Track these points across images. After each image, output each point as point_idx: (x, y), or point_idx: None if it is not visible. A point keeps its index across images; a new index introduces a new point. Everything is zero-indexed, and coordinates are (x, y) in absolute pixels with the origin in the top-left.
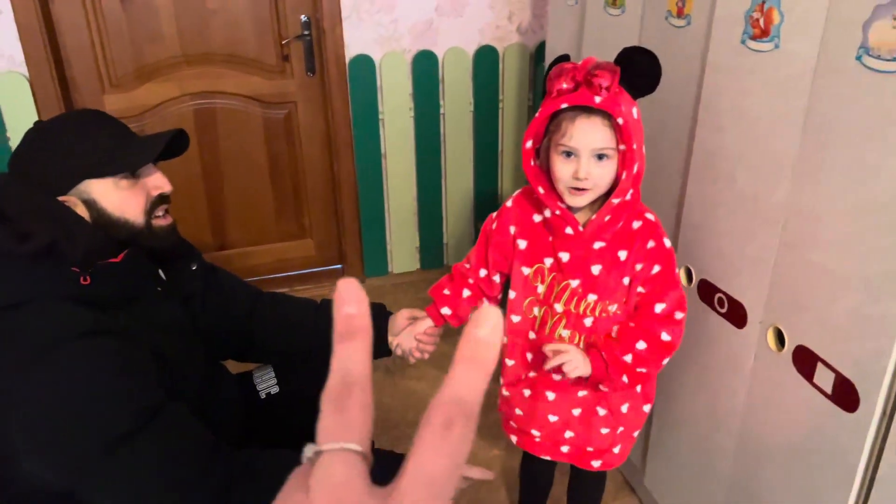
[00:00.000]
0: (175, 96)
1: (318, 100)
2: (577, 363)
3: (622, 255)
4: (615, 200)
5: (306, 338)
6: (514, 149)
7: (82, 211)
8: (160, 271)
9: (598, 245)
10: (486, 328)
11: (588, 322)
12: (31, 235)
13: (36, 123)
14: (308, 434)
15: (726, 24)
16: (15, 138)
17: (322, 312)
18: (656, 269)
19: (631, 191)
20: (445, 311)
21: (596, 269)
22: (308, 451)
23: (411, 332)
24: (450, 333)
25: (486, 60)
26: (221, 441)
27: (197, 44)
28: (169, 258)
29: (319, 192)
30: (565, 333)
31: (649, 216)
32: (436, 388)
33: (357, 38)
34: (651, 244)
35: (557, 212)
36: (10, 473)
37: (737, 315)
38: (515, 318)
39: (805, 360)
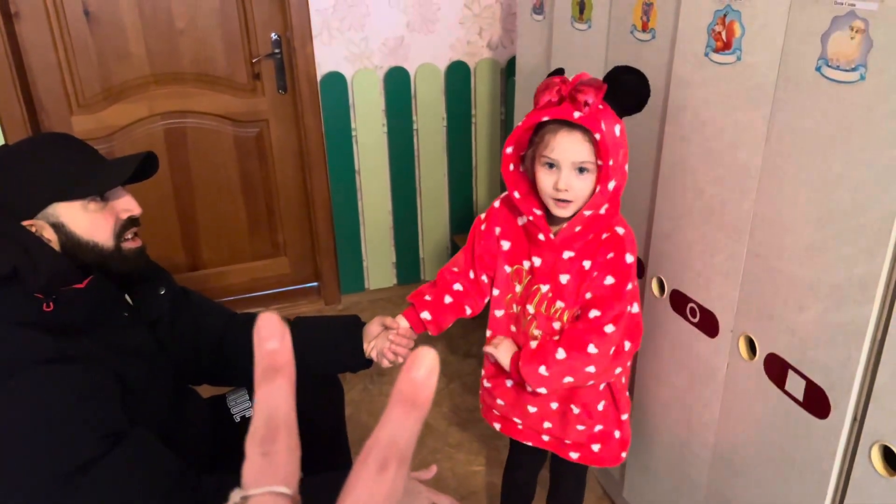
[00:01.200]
0: (144, 116)
1: (290, 117)
2: (500, 357)
3: (586, 264)
4: (587, 213)
5: None
6: (488, 162)
7: (50, 234)
8: (126, 296)
9: (567, 255)
10: (423, 370)
11: (556, 326)
12: None
13: (0, 147)
14: None
15: (689, 37)
16: None
17: (296, 331)
18: (609, 280)
19: (606, 205)
20: (425, 315)
21: (564, 279)
22: (235, 496)
23: (386, 335)
24: (426, 339)
25: (457, 76)
26: (190, 466)
27: (166, 63)
28: (136, 282)
29: (293, 209)
30: (537, 333)
31: (619, 230)
32: None
33: (328, 56)
34: (611, 255)
35: (531, 217)
36: None
37: (708, 324)
38: (498, 313)
39: (776, 368)
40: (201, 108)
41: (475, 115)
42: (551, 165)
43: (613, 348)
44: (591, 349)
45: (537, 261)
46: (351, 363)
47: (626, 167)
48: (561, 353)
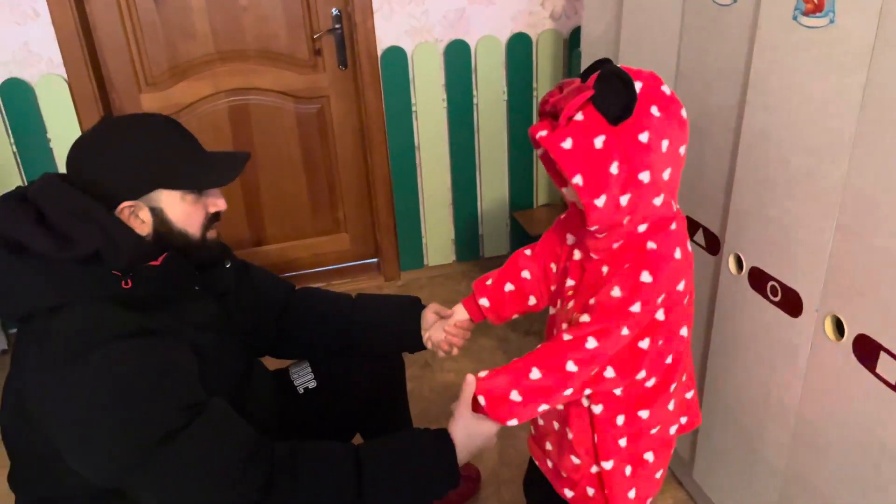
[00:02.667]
0: (209, 94)
1: (351, 93)
2: (464, 394)
3: (604, 270)
4: (592, 227)
5: (342, 332)
6: None
7: (146, 216)
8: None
9: (594, 256)
10: None
11: (565, 326)
12: (74, 242)
13: (105, 120)
14: (346, 426)
15: (776, 0)
16: (55, 140)
17: (357, 306)
18: (615, 291)
19: (627, 217)
20: (483, 302)
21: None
22: None
23: (442, 325)
24: (488, 327)
25: (519, 48)
26: (264, 434)
27: (229, 41)
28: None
29: (353, 186)
30: (553, 331)
31: (650, 244)
32: None
33: (388, 30)
34: (626, 266)
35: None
36: (43, 473)
37: (791, 303)
38: (552, 310)
39: (866, 350)
40: (264, 85)
41: (536, 89)
42: None
43: (595, 370)
44: (571, 367)
45: (577, 255)
46: (408, 344)
47: (643, 176)
48: (535, 373)
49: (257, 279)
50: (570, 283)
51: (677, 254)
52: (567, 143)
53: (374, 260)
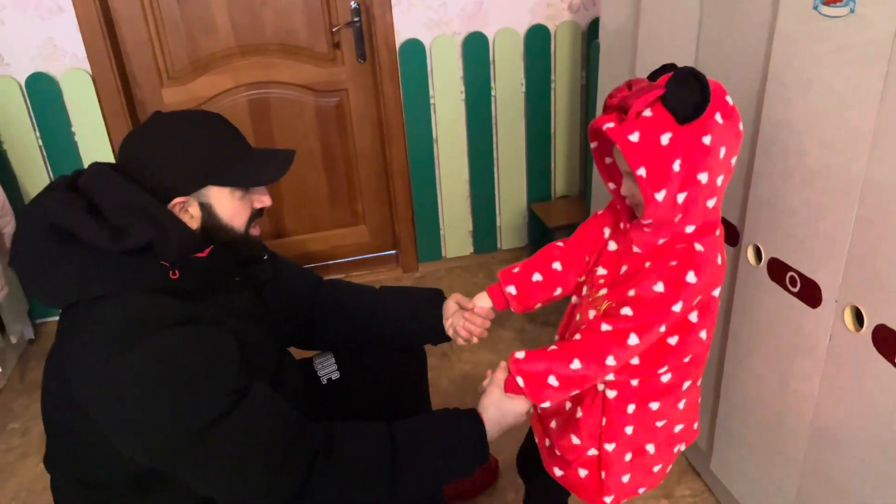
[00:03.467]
0: (230, 87)
1: (370, 86)
2: (495, 382)
3: (647, 265)
4: (644, 220)
5: (366, 324)
6: (567, 129)
7: (195, 211)
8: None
9: (635, 249)
10: None
11: (591, 315)
12: (126, 234)
13: (157, 115)
14: (367, 418)
15: None
16: (80, 134)
17: (381, 299)
18: (658, 286)
19: (679, 215)
20: (510, 290)
21: (622, 269)
22: None
23: (461, 314)
24: (507, 318)
25: (537, 40)
26: (305, 416)
27: (249, 35)
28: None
29: (372, 178)
30: (578, 317)
31: (697, 246)
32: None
33: (407, 23)
34: (673, 263)
35: (618, 206)
36: (84, 457)
37: (810, 294)
38: (574, 299)
39: (887, 341)
40: (283, 79)
41: (555, 81)
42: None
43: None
44: (610, 361)
45: (612, 245)
46: (430, 336)
47: (702, 177)
48: (576, 364)
49: (285, 271)
50: (601, 271)
51: (719, 259)
52: (635, 136)
53: (393, 252)
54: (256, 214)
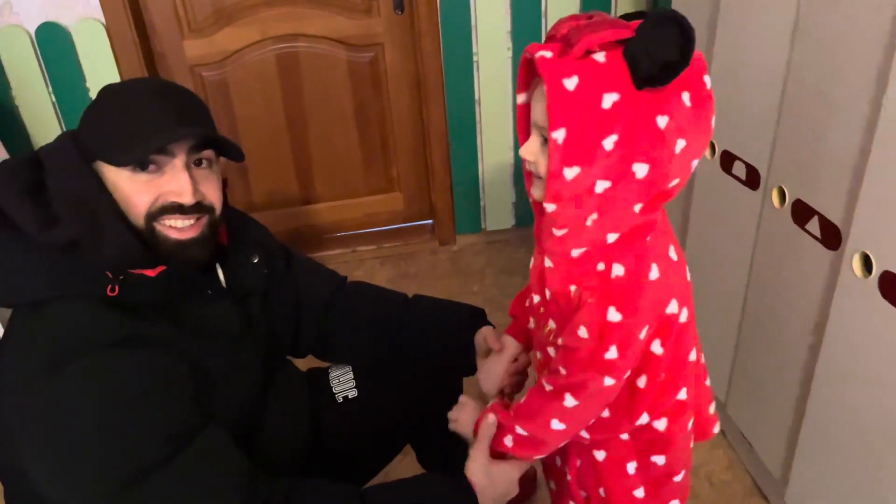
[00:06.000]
0: (256, 40)
1: (407, 41)
2: (462, 425)
3: (572, 289)
4: (548, 206)
5: (390, 339)
6: None
7: None
8: (218, 266)
9: (547, 263)
10: None
11: (552, 352)
12: (56, 223)
13: (121, 82)
14: (387, 441)
15: None
16: (94, 90)
17: (411, 311)
18: (582, 332)
19: (594, 216)
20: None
21: (548, 293)
22: None
23: (499, 361)
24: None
25: None
26: (258, 471)
27: None
28: (224, 253)
29: (408, 142)
30: (538, 355)
31: (617, 268)
32: None
33: None
34: (591, 300)
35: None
36: (18, 487)
37: None
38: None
39: None
40: (314, 31)
41: None
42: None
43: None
44: (556, 425)
45: (535, 261)
46: (463, 364)
47: (638, 169)
48: (520, 429)
49: (301, 273)
50: (535, 298)
51: (652, 273)
52: (571, 82)
53: (429, 221)
54: (167, 210)
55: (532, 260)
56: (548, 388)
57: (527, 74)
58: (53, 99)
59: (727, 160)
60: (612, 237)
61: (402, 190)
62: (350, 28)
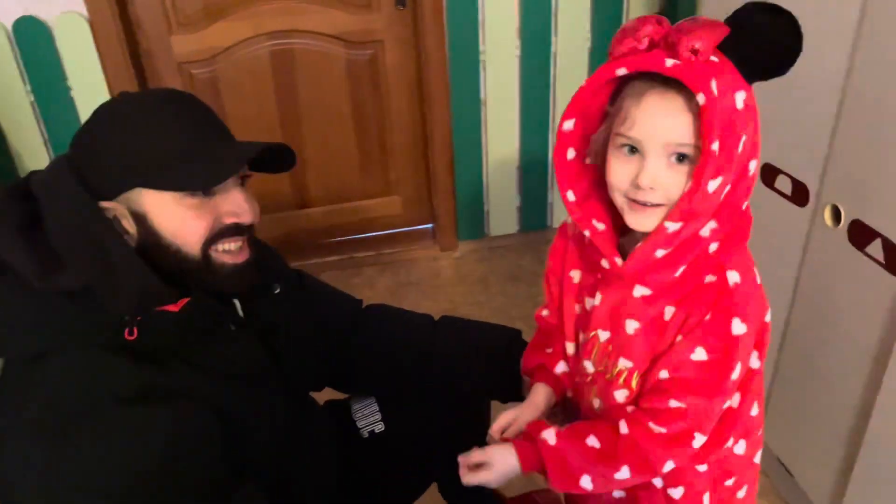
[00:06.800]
0: (249, 36)
1: (409, 38)
2: (497, 474)
3: (668, 312)
4: (672, 226)
5: (418, 367)
6: None
7: (129, 225)
8: (236, 302)
9: (640, 292)
10: None
11: (619, 396)
12: (61, 268)
13: (120, 94)
14: (418, 477)
15: None
16: (77, 89)
17: (439, 336)
18: (699, 354)
19: (713, 223)
20: (561, 367)
21: (631, 327)
22: None
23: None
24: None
25: None
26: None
27: None
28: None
29: (408, 144)
30: (596, 403)
31: (732, 275)
32: None
33: None
34: (708, 317)
35: (587, 232)
36: None
37: None
38: (559, 369)
39: None
40: (310, 27)
41: None
42: (632, 149)
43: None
44: (669, 466)
45: (598, 298)
46: (500, 392)
47: (752, 165)
48: (624, 472)
49: (317, 298)
50: (604, 335)
51: (758, 278)
52: (714, 87)
53: (429, 226)
54: (225, 233)
55: (570, 297)
56: (659, 430)
57: (597, 96)
58: (32, 98)
59: (769, 173)
60: (714, 245)
61: (400, 193)
62: (348, 23)
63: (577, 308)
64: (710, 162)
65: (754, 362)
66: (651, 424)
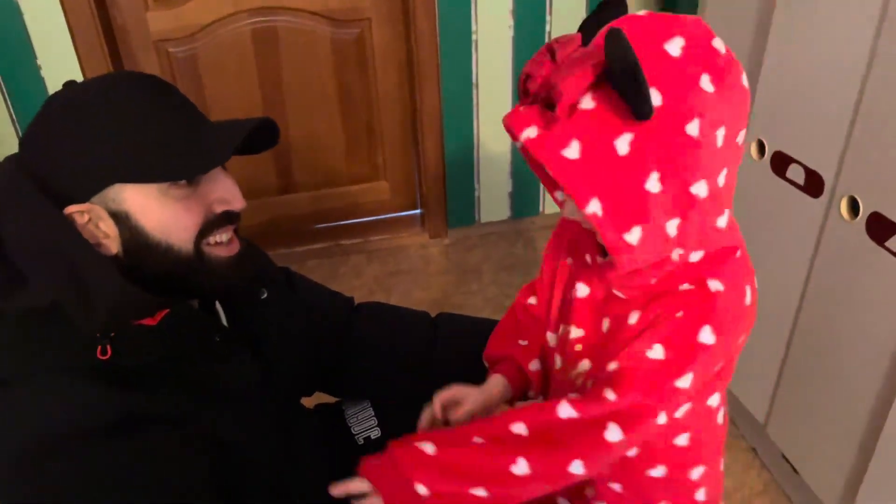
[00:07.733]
0: (230, 13)
1: (398, 15)
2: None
3: (633, 318)
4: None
5: (418, 364)
6: None
7: (108, 227)
8: (219, 307)
9: (619, 294)
10: None
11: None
12: (23, 284)
13: (66, 85)
14: None
15: None
16: (47, 68)
17: (438, 334)
18: (655, 352)
19: (678, 250)
20: (534, 366)
21: (606, 325)
22: None
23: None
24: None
25: None
26: None
27: None
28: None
29: (397, 127)
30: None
31: (713, 284)
32: None
33: None
34: (679, 314)
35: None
36: None
37: None
38: (532, 366)
39: None
40: (294, 4)
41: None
42: None
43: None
44: (576, 468)
45: (582, 290)
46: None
47: (698, 189)
48: (522, 466)
49: (306, 299)
50: (576, 332)
51: (748, 297)
52: (572, 151)
53: (418, 212)
54: (217, 222)
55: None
56: (574, 414)
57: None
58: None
59: (780, 162)
60: (695, 256)
61: (387, 178)
62: (334, 0)
63: (562, 297)
64: (596, 222)
65: (713, 400)
66: (565, 407)
